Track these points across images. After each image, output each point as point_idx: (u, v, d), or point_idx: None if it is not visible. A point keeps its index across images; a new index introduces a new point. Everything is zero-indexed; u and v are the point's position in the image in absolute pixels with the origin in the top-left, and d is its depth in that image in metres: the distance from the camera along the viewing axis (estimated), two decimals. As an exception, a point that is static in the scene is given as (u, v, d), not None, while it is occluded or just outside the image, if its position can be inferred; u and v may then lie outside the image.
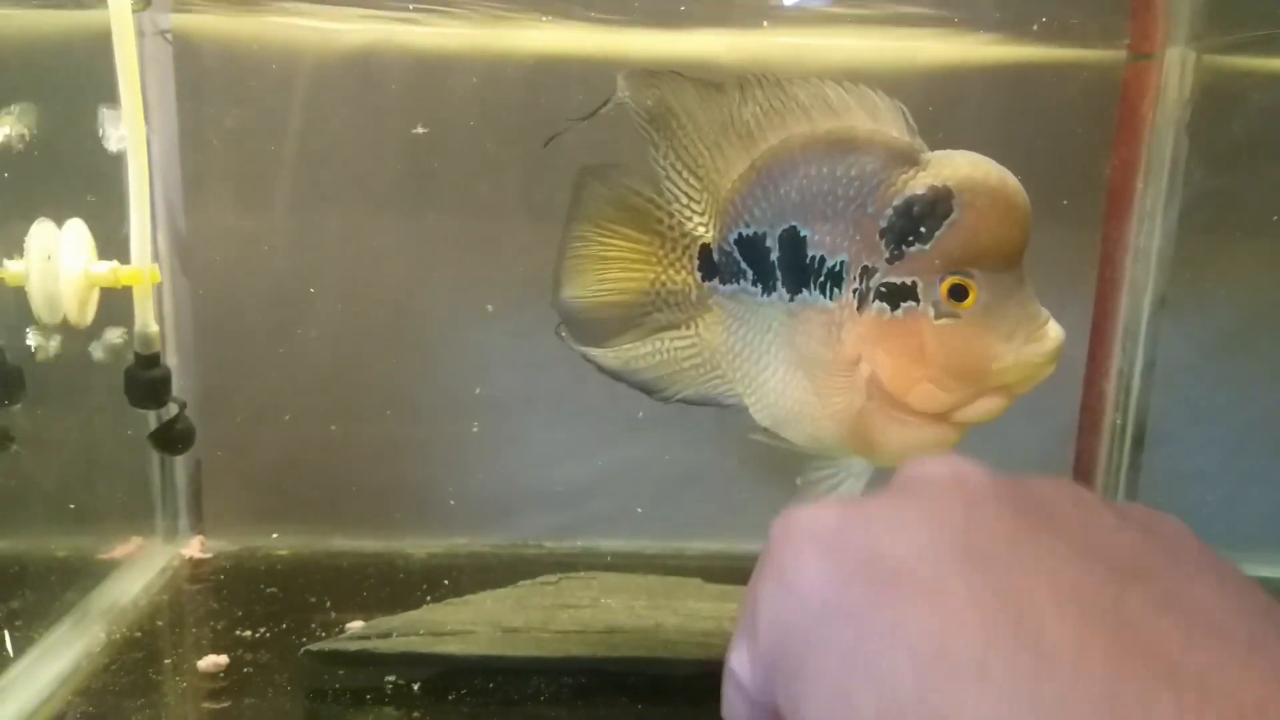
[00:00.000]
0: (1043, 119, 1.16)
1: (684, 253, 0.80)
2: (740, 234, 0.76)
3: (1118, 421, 1.28)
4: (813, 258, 0.73)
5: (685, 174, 0.78)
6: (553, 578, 1.12)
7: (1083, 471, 1.31)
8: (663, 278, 0.81)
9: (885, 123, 0.70)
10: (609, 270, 0.82)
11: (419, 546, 1.29)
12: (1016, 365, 0.68)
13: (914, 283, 0.69)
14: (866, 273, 0.70)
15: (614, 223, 0.82)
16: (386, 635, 1.00)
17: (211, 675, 0.98)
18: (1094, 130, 1.21)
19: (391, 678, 0.98)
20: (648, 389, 0.83)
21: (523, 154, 1.21)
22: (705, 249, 0.79)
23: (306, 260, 1.22)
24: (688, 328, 0.81)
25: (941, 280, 0.68)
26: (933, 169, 0.68)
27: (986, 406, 0.71)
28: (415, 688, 0.97)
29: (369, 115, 1.20)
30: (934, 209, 0.67)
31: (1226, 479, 1.13)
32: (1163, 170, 1.19)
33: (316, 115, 1.18)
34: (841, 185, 0.71)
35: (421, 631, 1.01)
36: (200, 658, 1.01)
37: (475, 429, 1.27)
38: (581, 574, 1.14)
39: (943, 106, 0.73)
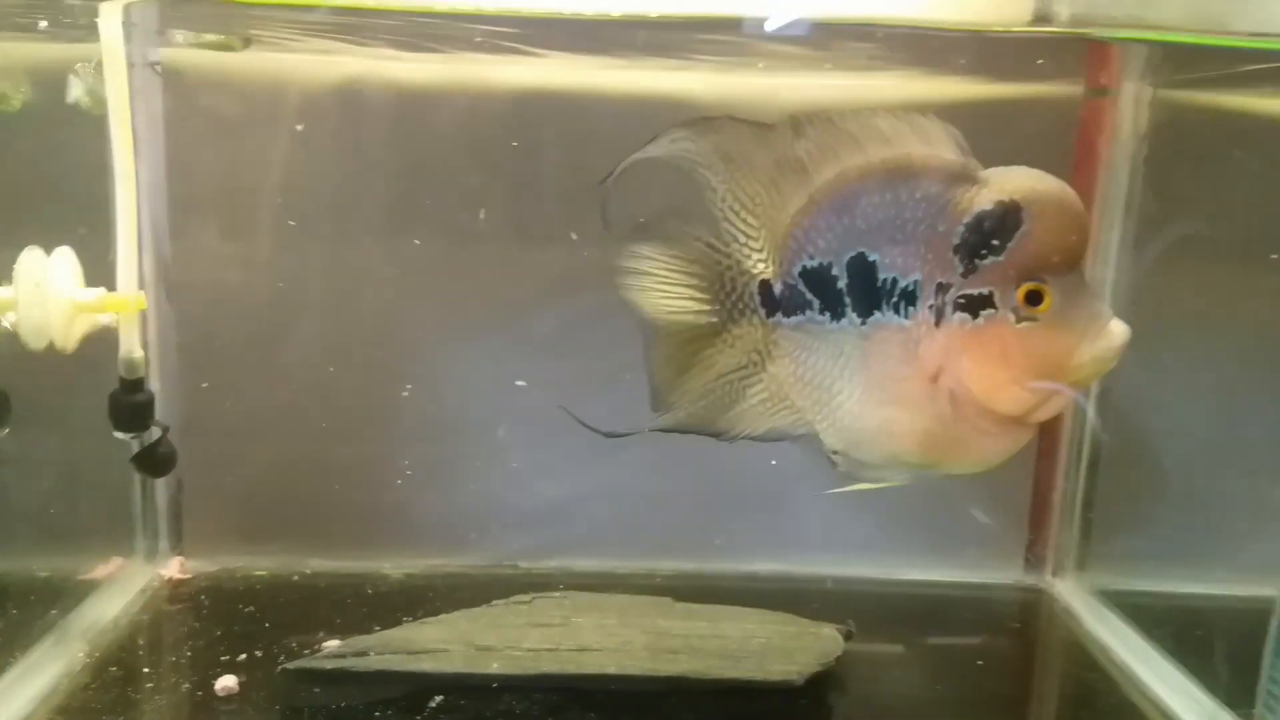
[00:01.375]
0: (1003, 153, 1.19)
1: (744, 290, 0.82)
2: (804, 266, 0.79)
3: (1073, 446, 1.31)
4: (885, 280, 0.77)
5: (743, 213, 0.81)
6: (525, 597, 1.15)
7: (1040, 492, 1.35)
8: (728, 321, 0.83)
9: (938, 146, 0.74)
10: (682, 332, 0.85)
11: (396, 567, 1.31)
12: (1092, 360, 0.73)
13: (991, 292, 0.74)
14: (942, 288, 0.75)
15: (677, 279, 0.84)
16: (362, 654, 1.03)
17: (189, 694, 1.00)
18: (1052, 164, 1.24)
19: (367, 695, 1.00)
20: (714, 433, 0.86)
21: (502, 183, 1.24)
22: (765, 285, 0.82)
23: (289, 287, 1.25)
24: (754, 365, 0.84)
25: (1017, 287, 0.73)
26: (995, 185, 0.73)
27: (1060, 402, 0.75)
28: (390, 706, 0.99)
29: (352, 146, 1.23)
30: (1004, 222, 0.72)
31: (1176, 499, 1.17)
32: (1118, 203, 1.23)
33: (301, 145, 1.21)
34: (908, 209, 0.75)
35: (396, 650, 1.03)
36: (179, 676, 1.03)
37: (441, 450, 1.30)
38: (554, 593, 1.17)
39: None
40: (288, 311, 1.26)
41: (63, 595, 1.14)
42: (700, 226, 0.83)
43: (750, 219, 0.81)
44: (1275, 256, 1.07)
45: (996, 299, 0.73)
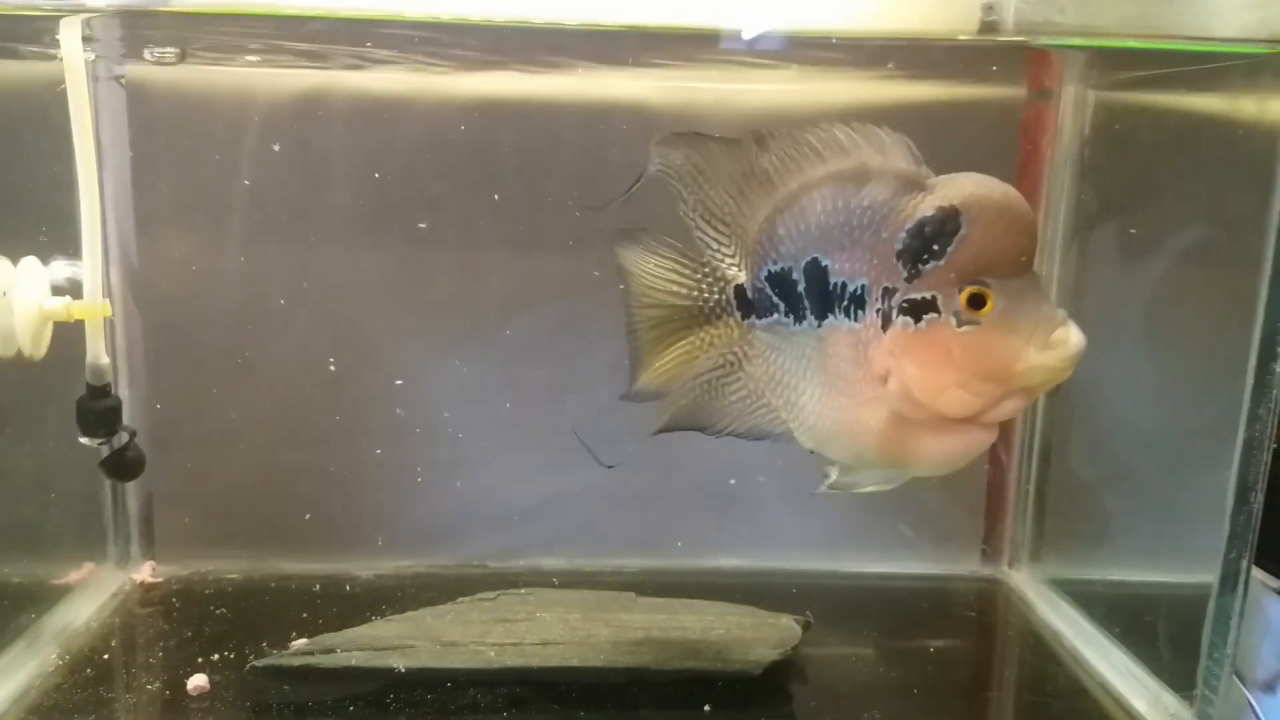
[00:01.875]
0: (952, 153, 1.22)
1: (721, 294, 0.87)
2: (769, 270, 0.83)
3: (1025, 439, 1.35)
4: (835, 284, 0.79)
5: (714, 222, 0.86)
6: (491, 594, 1.17)
7: (996, 485, 1.39)
8: (706, 324, 0.88)
9: (892, 156, 0.77)
10: (661, 332, 0.90)
11: (366, 568, 1.33)
12: (1039, 366, 0.74)
13: (934, 297, 0.75)
14: (888, 293, 0.77)
15: (656, 284, 0.89)
16: (330, 651, 1.05)
17: (160, 692, 1.02)
18: (999, 163, 1.28)
19: (335, 691, 1.03)
20: (699, 427, 0.90)
21: (463, 191, 1.27)
22: (739, 289, 0.86)
23: (255, 294, 1.27)
24: (732, 365, 0.88)
25: (959, 291, 0.74)
26: (939, 191, 0.75)
27: (1012, 406, 0.76)
28: (357, 700, 1.01)
29: (316, 155, 1.25)
30: (943, 227, 0.73)
31: (1123, 490, 1.20)
32: (1060, 201, 1.27)
33: (266, 155, 1.24)
34: (856, 215, 0.77)
35: (363, 646, 1.06)
36: (151, 676, 1.06)
37: (411, 454, 1.33)
38: (520, 590, 1.19)
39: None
40: (256, 317, 1.28)
41: (35, 600, 1.15)
42: (681, 234, 0.87)
43: (721, 226, 0.85)
44: (1133, 231, 1.11)
45: (939, 303, 0.74)
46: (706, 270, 0.87)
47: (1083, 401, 1.25)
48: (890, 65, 1.16)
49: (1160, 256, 1.14)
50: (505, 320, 1.30)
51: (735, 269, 0.86)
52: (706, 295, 0.87)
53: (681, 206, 0.85)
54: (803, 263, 0.81)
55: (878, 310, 0.77)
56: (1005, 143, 1.29)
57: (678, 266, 0.88)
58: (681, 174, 0.84)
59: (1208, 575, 0.97)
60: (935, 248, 0.74)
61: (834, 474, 0.88)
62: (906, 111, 1.25)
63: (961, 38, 0.95)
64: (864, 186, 0.77)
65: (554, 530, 1.36)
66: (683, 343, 0.89)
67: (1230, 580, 0.95)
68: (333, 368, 1.29)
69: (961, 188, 0.74)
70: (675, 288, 0.88)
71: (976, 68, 1.23)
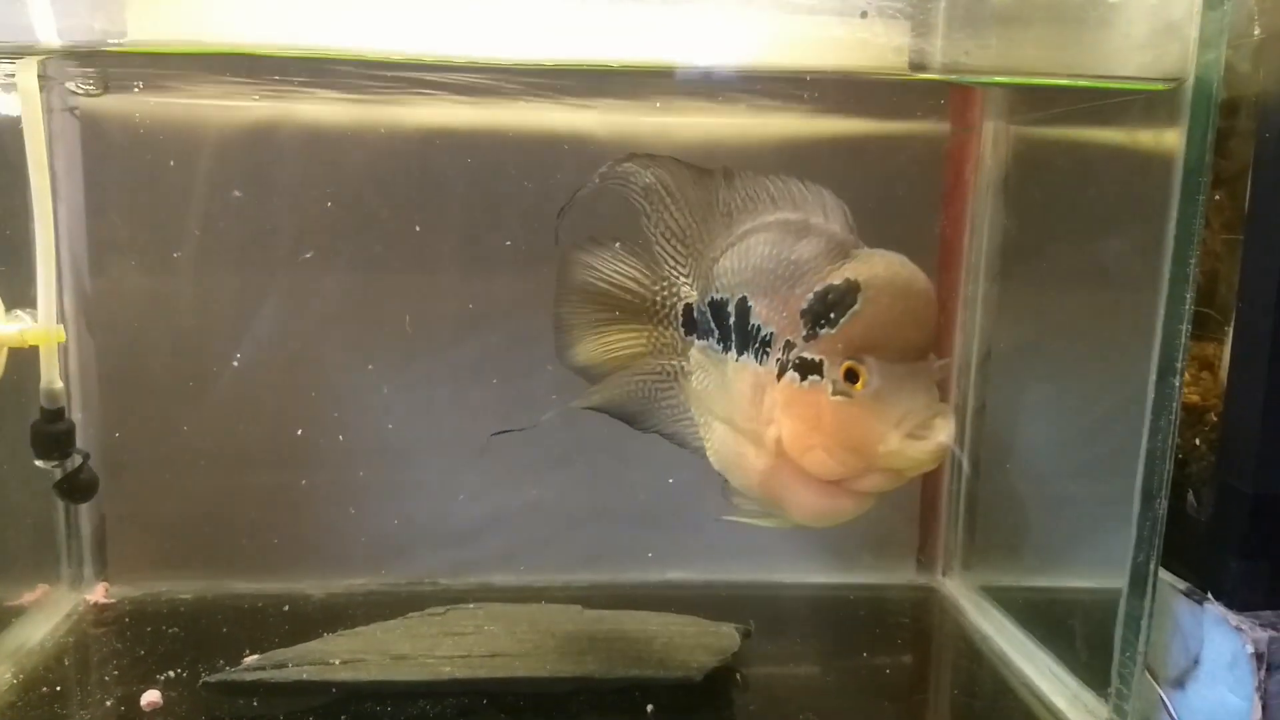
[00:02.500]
0: (881, 183, 1.29)
1: (671, 309, 0.93)
2: (712, 298, 0.88)
3: (955, 454, 1.41)
4: (753, 326, 0.84)
5: (674, 241, 0.91)
6: (440, 609, 1.20)
7: (929, 499, 1.45)
8: (654, 330, 0.94)
9: (833, 218, 0.82)
10: (610, 326, 0.95)
11: (319, 587, 1.35)
12: (899, 453, 0.76)
13: (821, 360, 0.78)
14: (789, 346, 0.81)
15: (613, 283, 0.95)
16: (281, 665, 1.08)
17: (114, 709, 1.04)
18: (927, 192, 1.36)
19: (287, 705, 1.05)
20: (628, 420, 0.96)
21: (413, 217, 1.31)
22: (689, 307, 0.91)
23: (206, 319, 1.30)
24: (670, 375, 0.94)
25: (840, 362, 0.77)
26: (854, 263, 0.79)
27: (875, 481, 0.80)
28: (309, 714, 1.04)
29: (267, 184, 1.29)
30: (842, 299, 0.77)
31: (1042, 498, 1.26)
32: (983, 228, 1.34)
33: (217, 183, 1.27)
34: (783, 266, 0.82)
35: (314, 661, 1.09)
36: (105, 694, 1.07)
37: (363, 474, 1.36)
38: (469, 605, 1.23)
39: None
40: (207, 342, 1.30)
41: (-12, 622, 1.17)
42: (641, 245, 0.93)
43: (680, 246, 0.90)
44: (1049, 253, 1.17)
45: (824, 368, 0.78)
46: (666, 281, 0.92)
47: (1008, 416, 1.31)
48: (817, 95, 1.21)
49: (1073, 278, 1.21)
50: (453, 341, 1.34)
51: (688, 288, 0.91)
52: (661, 302, 0.93)
53: (644, 221, 0.91)
54: (736, 297, 0.86)
55: (777, 360, 0.81)
56: (931, 172, 1.36)
57: (639, 272, 0.94)
58: (649, 191, 0.90)
59: (1118, 579, 1.03)
60: (832, 315, 0.78)
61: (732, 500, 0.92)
62: (840, 144, 1.31)
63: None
64: (799, 241, 0.82)
65: (504, 547, 1.40)
66: (633, 337, 0.94)
67: (1139, 583, 1.01)
68: (283, 392, 1.32)
69: (872, 266, 0.78)
70: (635, 286, 0.94)
71: (904, 104, 1.30)
